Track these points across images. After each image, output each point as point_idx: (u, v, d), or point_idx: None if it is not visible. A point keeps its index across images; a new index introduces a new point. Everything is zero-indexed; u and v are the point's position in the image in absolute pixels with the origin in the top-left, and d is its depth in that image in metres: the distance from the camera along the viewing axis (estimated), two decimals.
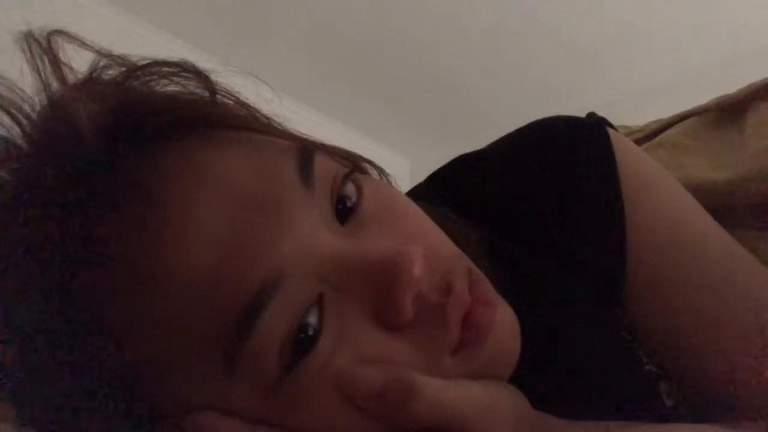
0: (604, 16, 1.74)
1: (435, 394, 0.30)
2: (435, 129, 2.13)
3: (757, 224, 0.48)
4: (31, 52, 0.33)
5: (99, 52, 0.34)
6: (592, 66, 1.91)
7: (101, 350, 0.29)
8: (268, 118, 0.38)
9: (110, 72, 0.34)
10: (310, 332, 0.29)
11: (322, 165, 0.33)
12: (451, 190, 0.45)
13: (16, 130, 0.32)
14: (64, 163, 0.30)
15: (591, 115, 0.45)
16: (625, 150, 0.43)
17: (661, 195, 0.42)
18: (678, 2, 1.69)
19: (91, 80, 0.34)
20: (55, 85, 0.33)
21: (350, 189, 0.33)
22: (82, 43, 0.34)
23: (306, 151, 0.33)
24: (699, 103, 0.59)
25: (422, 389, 0.29)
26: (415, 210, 0.36)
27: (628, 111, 0.81)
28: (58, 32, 0.34)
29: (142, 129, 0.31)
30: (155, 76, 0.35)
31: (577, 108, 0.47)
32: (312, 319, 0.29)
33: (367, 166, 0.40)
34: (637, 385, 0.38)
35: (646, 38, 1.80)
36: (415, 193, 0.46)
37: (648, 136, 0.60)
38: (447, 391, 0.30)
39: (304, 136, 0.36)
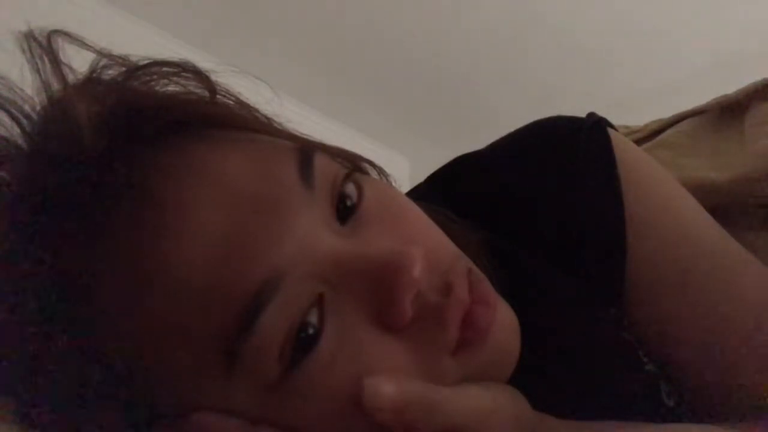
0: (608, 16, 1.74)
1: (452, 405, 0.30)
2: (435, 129, 2.12)
3: (757, 224, 0.48)
4: (31, 52, 0.33)
5: (99, 52, 0.35)
6: (595, 66, 1.90)
7: (100, 350, 0.29)
8: (268, 118, 0.38)
9: (110, 72, 0.34)
10: (311, 332, 0.29)
11: (322, 165, 0.33)
12: (452, 190, 0.45)
13: (16, 130, 0.32)
14: (64, 163, 0.30)
15: (591, 116, 0.45)
16: (625, 150, 0.43)
17: (661, 195, 0.42)
18: (681, 2, 1.69)
19: (92, 80, 0.34)
20: (55, 85, 0.33)
21: (350, 189, 0.33)
22: (83, 43, 0.35)
23: (306, 151, 0.33)
24: (700, 104, 0.59)
25: (442, 403, 0.30)
26: (415, 210, 0.36)
27: (632, 111, 0.81)
28: (59, 32, 0.34)
29: (142, 129, 0.31)
30: (155, 76, 0.35)
31: (579, 108, 0.47)
32: (312, 320, 0.29)
33: (367, 166, 0.40)
34: (638, 386, 0.38)
35: (648, 39, 1.80)
36: (415, 193, 0.46)
37: (648, 136, 0.60)
38: (455, 400, 0.30)
39: (304, 136, 0.36)
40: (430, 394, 0.29)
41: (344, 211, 0.33)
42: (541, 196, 0.42)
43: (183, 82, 0.36)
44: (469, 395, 0.31)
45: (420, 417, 0.29)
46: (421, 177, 0.49)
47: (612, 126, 0.45)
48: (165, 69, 0.35)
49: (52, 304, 0.29)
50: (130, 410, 0.30)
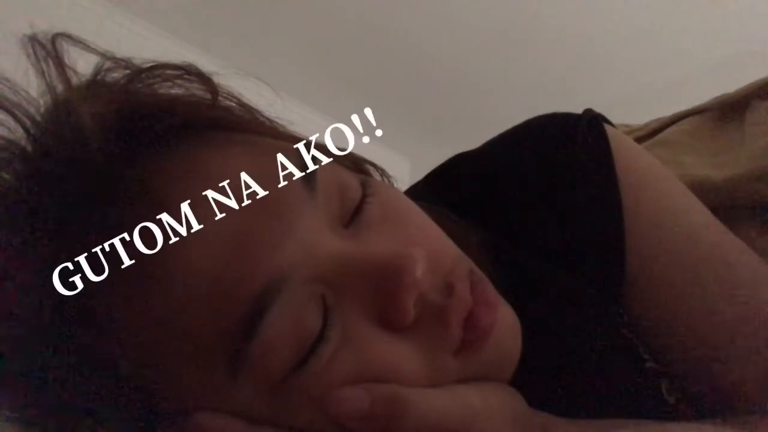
0: (608, 16, 1.74)
1: (425, 408, 0.30)
2: (435, 129, 2.13)
3: (757, 223, 0.48)
4: (35, 55, 0.33)
5: (103, 55, 0.35)
6: (595, 66, 1.90)
7: (103, 351, 0.29)
8: (270, 120, 0.38)
9: (114, 74, 0.34)
10: (314, 334, 0.29)
11: (324, 167, 0.33)
12: (450, 189, 0.45)
13: (20, 132, 0.32)
14: (67, 165, 0.30)
15: (588, 112, 0.45)
16: (622, 146, 0.43)
17: (659, 190, 0.42)
18: (680, 2, 1.69)
19: (96, 83, 0.34)
20: (59, 87, 0.33)
21: (353, 191, 0.34)
22: (87, 46, 0.35)
23: (308, 153, 0.33)
24: (701, 102, 0.59)
25: (411, 406, 0.29)
26: (417, 212, 0.36)
27: (632, 111, 0.81)
28: (63, 35, 0.34)
29: (145, 131, 0.31)
30: (159, 79, 0.35)
31: (579, 108, 0.46)
32: (315, 321, 0.30)
33: (369, 167, 0.41)
34: (638, 383, 0.38)
35: (648, 39, 1.80)
36: (413, 193, 0.46)
37: (648, 134, 0.60)
38: (437, 402, 0.30)
39: (307, 138, 0.37)
40: (397, 394, 0.29)
41: (347, 212, 0.33)
42: (538, 193, 0.42)
43: (186, 84, 0.36)
44: (455, 396, 0.31)
45: (390, 420, 0.29)
46: (421, 177, 0.49)
47: (609, 122, 0.45)
48: (168, 72, 0.35)
49: (56, 305, 0.29)
50: (132, 411, 0.30)
